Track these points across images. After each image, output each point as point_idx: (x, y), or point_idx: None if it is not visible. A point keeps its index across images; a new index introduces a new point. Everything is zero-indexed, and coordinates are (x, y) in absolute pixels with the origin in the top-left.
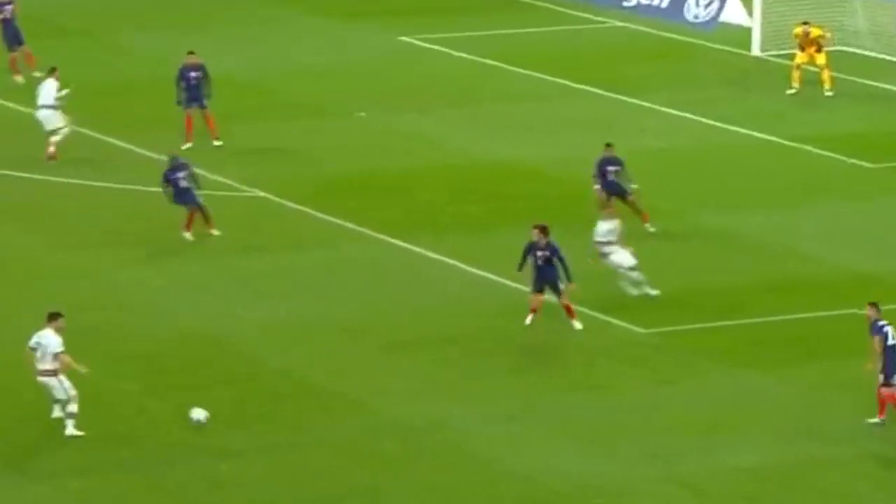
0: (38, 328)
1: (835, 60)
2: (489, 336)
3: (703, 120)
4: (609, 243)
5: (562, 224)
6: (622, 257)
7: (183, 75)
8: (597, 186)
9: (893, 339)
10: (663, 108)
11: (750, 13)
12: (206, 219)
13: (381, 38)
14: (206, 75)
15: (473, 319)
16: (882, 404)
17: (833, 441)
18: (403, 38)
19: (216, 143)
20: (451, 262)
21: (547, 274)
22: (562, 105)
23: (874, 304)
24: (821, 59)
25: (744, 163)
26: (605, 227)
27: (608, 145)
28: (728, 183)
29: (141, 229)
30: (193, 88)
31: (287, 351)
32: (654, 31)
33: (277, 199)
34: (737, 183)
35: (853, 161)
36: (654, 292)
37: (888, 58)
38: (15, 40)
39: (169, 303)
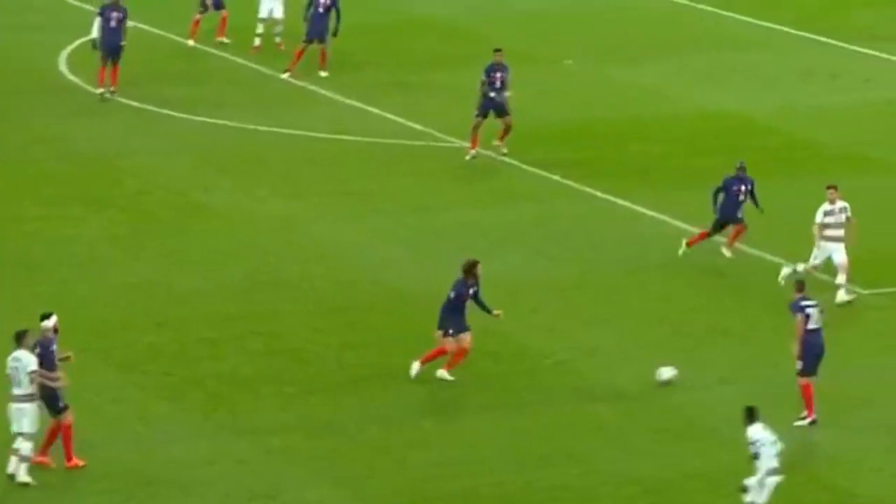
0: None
1: None
2: (703, 295)
3: None
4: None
5: (780, 177)
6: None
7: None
8: (492, 94)
9: (817, 322)
10: (892, 57)
11: None
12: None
13: None
14: (336, 9)
15: (685, 277)
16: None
17: None
18: None
19: (324, 73)
20: (665, 218)
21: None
22: (782, 53)
23: (800, 282)
24: None
25: None
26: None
27: (497, 51)
28: None
29: (343, 180)
30: (319, 19)
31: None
32: None
33: (482, 151)
34: None
35: None
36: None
37: None
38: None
39: (370, 257)
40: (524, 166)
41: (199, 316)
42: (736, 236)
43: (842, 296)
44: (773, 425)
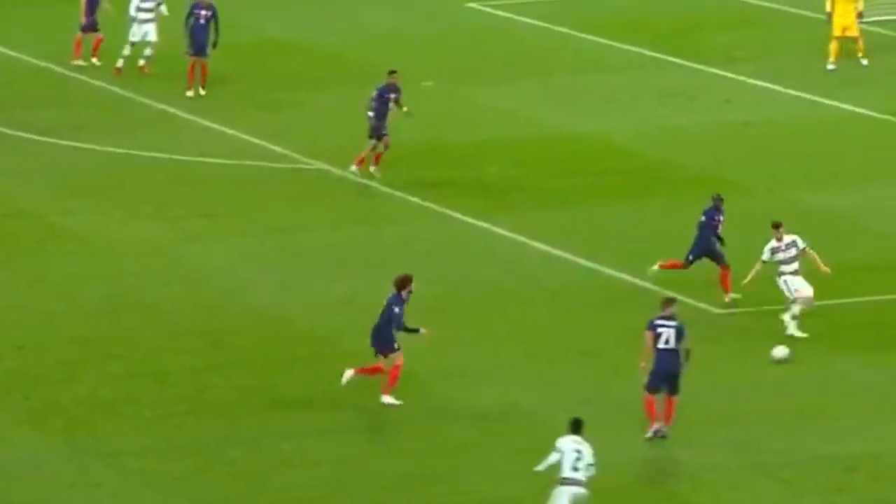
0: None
1: None
2: (560, 317)
3: (791, 91)
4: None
5: (638, 198)
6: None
7: (192, 13)
8: (371, 114)
9: (668, 342)
10: (748, 79)
11: None
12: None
13: (449, 5)
14: (215, 19)
15: (543, 299)
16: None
17: None
18: (471, 5)
19: (202, 91)
20: (524, 239)
21: None
22: (640, 75)
23: (668, 300)
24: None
25: (834, 136)
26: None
27: (392, 72)
28: (818, 158)
29: (204, 203)
30: (201, 30)
31: (354, 331)
32: None
33: (342, 173)
34: (828, 158)
35: None
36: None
37: None
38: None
39: (233, 279)
40: (385, 188)
41: (59, 339)
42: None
43: (795, 332)
44: (631, 442)
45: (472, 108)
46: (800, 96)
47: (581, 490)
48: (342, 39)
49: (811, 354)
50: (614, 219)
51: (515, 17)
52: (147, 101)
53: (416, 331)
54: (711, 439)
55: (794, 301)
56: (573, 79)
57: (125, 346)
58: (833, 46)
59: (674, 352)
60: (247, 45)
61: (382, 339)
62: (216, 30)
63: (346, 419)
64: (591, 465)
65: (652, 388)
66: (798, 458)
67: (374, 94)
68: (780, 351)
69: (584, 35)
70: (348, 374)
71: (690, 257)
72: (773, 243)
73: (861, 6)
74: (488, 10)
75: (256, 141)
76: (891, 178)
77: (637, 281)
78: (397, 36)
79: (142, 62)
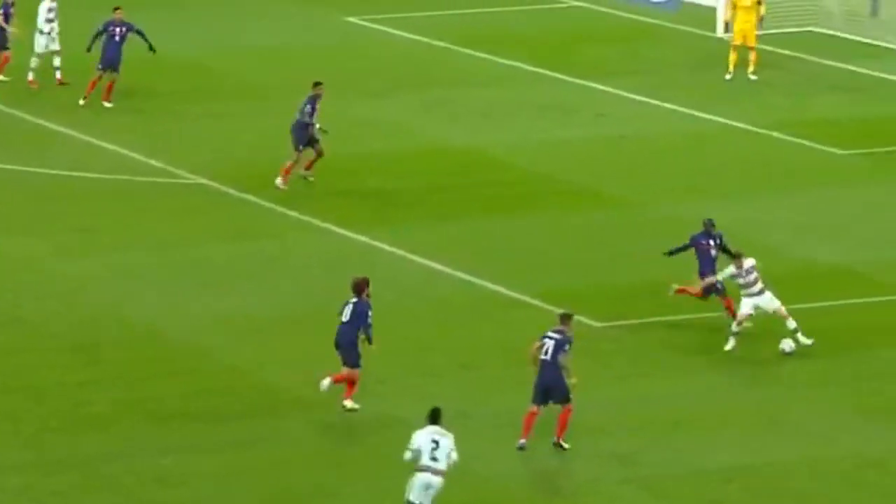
0: None
1: (806, 43)
2: (439, 330)
3: (666, 105)
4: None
5: (515, 212)
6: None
7: (107, 30)
8: (317, 125)
9: (546, 354)
10: (624, 93)
11: None
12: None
13: (327, 19)
14: (137, 31)
15: (422, 313)
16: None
17: (803, 441)
18: (350, 20)
19: (108, 104)
20: (403, 253)
21: None
22: (517, 89)
23: (563, 315)
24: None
25: (709, 150)
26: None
27: (317, 84)
28: (693, 172)
29: (81, 217)
30: (114, 46)
31: (233, 345)
32: (615, 12)
33: (220, 187)
34: (702, 171)
35: (822, 148)
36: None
37: (861, 40)
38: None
39: (110, 294)
40: (263, 202)
41: None
42: (729, 308)
43: (804, 340)
44: (511, 455)
45: (352, 122)
46: (676, 110)
47: (436, 478)
48: (223, 55)
49: (687, 367)
50: (494, 232)
51: (394, 31)
52: (26, 116)
53: (370, 339)
54: (591, 452)
55: (739, 324)
56: (452, 93)
57: (0, 361)
58: (732, 56)
59: (551, 364)
60: (126, 61)
61: (352, 347)
62: (144, 38)
63: (226, 434)
64: (453, 451)
65: (533, 399)
66: (675, 471)
67: (307, 108)
68: (787, 344)
69: (462, 49)
70: (326, 381)
71: (707, 290)
72: (733, 270)
73: (763, 10)
74: (367, 24)
75: (135, 155)
76: (770, 191)
77: (516, 294)
78: (277, 50)
79: (58, 74)
